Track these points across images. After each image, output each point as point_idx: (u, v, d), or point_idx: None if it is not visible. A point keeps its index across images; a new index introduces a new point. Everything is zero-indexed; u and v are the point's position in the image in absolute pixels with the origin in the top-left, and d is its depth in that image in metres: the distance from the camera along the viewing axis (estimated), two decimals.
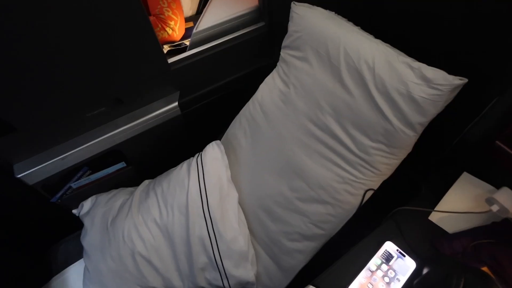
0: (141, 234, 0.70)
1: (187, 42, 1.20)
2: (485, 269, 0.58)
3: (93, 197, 0.82)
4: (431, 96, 0.57)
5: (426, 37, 0.71)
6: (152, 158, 1.05)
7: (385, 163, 0.67)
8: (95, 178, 0.93)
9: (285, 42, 0.83)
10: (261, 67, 1.10)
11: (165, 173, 0.82)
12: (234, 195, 0.76)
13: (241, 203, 0.80)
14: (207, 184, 0.73)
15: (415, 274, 0.59)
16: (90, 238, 0.72)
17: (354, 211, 0.72)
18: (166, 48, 1.22)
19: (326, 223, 0.72)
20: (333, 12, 0.78)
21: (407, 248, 0.63)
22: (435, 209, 0.69)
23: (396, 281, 0.58)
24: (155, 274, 0.69)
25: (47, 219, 0.96)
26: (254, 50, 1.05)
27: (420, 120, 0.60)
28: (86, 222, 0.74)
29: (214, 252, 0.69)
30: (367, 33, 0.71)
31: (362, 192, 0.70)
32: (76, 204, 0.88)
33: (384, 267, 0.60)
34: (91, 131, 0.87)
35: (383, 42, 0.68)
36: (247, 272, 0.70)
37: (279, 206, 0.76)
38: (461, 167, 0.73)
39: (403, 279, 0.58)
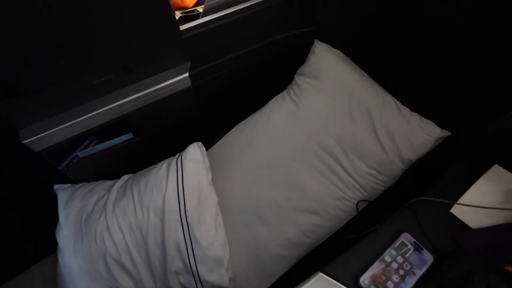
0: (113, 236, 0.68)
1: (200, 9, 1.12)
2: (509, 268, 0.54)
3: (71, 190, 0.79)
4: (423, 140, 0.74)
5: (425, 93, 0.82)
6: (161, 132, 1.02)
7: (373, 187, 0.79)
8: (101, 148, 0.91)
9: (303, 70, 0.91)
10: (279, 40, 1.03)
11: (144, 171, 0.80)
12: (213, 199, 0.73)
13: (229, 205, 0.79)
14: (185, 189, 0.70)
15: (433, 269, 0.56)
16: (63, 234, 0.70)
17: (340, 225, 0.80)
18: (177, 14, 1.15)
19: (313, 233, 0.78)
20: (349, 58, 0.91)
21: (425, 241, 0.60)
22: (458, 201, 0.64)
23: (411, 274, 0.55)
24: (127, 277, 0.68)
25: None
26: (273, 21, 0.98)
27: (411, 157, 0.76)
28: (61, 217, 0.73)
29: (189, 258, 0.67)
30: (375, 82, 0.85)
31: (349, 209, 0.79)
32: (82, 174, 0.87)
33: (400, 259, 0.57)
34: (99, 99, 0.83)
35: (387, 92, 0.83)
36: (221, 278, 0.69)
37: (272, 212, 0.78)
38: (492, 158, 0.68)
39: (419, 273, 0.55)
